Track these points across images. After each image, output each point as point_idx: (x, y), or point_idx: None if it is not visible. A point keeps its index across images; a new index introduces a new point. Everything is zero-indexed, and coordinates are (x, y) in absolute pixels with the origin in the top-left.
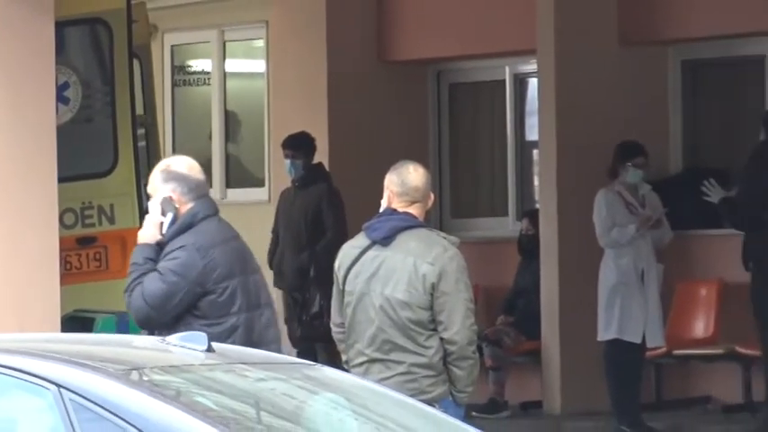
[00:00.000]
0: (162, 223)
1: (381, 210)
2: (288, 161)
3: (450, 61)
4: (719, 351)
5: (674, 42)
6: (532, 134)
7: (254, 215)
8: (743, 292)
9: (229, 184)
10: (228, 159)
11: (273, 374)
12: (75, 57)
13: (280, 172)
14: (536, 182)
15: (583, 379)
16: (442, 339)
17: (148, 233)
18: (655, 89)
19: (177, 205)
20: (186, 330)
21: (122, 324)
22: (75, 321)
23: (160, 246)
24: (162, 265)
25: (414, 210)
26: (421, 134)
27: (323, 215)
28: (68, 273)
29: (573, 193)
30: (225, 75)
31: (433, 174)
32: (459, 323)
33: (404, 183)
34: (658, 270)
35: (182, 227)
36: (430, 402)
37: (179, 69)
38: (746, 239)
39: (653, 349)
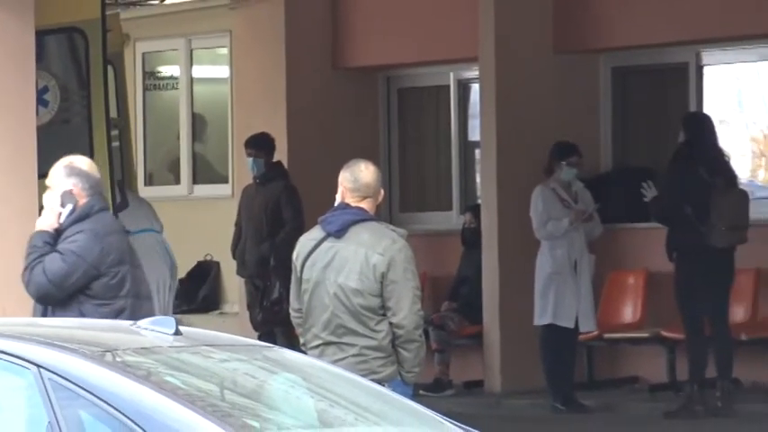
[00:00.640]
0: (60, 213)
1: (335, 204)
2: (250, 159)
3: (398, 68)
4: (646, 334)
5: (605, 51)
6: (474, 135)
7: (218, 209)
8: (667, 280)
9: (196, 180)
10: (195, 158)
11: (236, 356)
12: (54, 63)
13: (242, 169)
14: (478, 179)
15: (521, 360)
16: (390, 324)
17: (47, 221)
18: (587, 94)
19: (77, 198)
20: (78, 308)
21: None
22: None
23: (58, 233)
24: (62, 246)
25: (365, 204)
26: (372, 135)
27: (282, 209)
28: None
29: (512, 189)
30: (192, 80)
31: (383, 171)
32: (406, 309)
33: (356, 180)
34: (590, 260)
35: (80, 216)
36: (380, 382)
37: (149, 75)
38: (670, 232)
39: (585, 333)
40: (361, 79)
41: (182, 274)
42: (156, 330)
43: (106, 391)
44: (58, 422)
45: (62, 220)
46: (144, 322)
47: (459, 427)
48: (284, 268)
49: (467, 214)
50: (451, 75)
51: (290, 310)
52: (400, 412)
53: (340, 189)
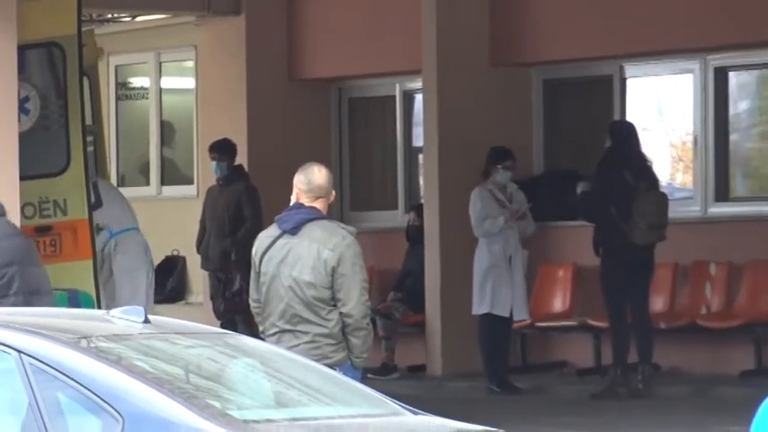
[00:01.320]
0: None
1: (291, 204)
2: (213, 163)
3: (349, 79)
4: (574, 323)
5: (537, 64)
6: (418, 141)
7: (184, 208)
8: (593, 273)
9: (164, 182)
10: (164, 161)
11: (200, 342)
12: (34, 75)
13: (207, 172)
14: (421, 181)
15: (460, 346)
16: (341, 313)
17: None
18: (520, 103)
19: None
20: None
21: (74, 299)
22: None
23: None
24: None
25: (318, 204)
26: (325, 140)
27: (243, 208)
28: None
29: (452, 190)
30: (161, 90)
31: (334, 174)
32: (355, 299)
33: (310, 181)
34: (523, 255)
35: None
36: (332, 366)
37: (122, 86)
38: (596, 230)
39: (519, 321)
40: (315, 90)
41: None
42: (126, 319)
43: (81, 374)
44: (37, 403)
45: None
46: (116, 311)
47: (404, 407)
48: (244, 262)
49: (411, 213)
50: (397, 86)
51: (250, 301)
52: (350, 394)
53: (295, 190)
